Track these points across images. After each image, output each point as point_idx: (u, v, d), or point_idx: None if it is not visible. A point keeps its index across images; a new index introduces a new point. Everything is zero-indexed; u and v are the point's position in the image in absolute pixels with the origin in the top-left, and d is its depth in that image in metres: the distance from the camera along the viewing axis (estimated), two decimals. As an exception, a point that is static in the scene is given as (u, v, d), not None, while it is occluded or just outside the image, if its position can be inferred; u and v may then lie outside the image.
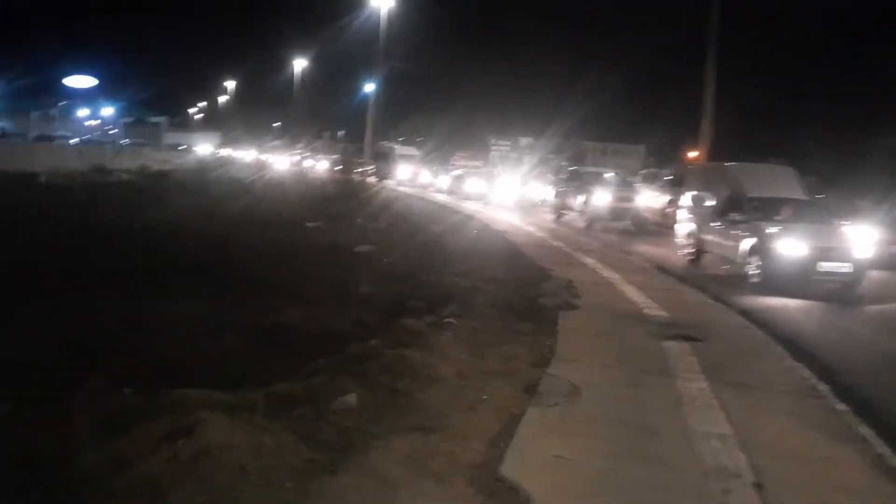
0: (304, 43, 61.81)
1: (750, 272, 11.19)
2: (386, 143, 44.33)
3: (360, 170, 41.11)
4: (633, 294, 9.61)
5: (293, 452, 3.79)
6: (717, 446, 4.33)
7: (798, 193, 13.08)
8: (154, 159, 41.10)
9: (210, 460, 3.51)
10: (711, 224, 12.88)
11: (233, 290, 8.81)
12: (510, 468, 3.84)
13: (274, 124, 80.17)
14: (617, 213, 20.07)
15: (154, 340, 6.35)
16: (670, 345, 6.79)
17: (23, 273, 9.02)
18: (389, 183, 37.04)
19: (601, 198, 20.07)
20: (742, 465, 4.04)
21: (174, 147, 61.13)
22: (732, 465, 4.04)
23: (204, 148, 64.07)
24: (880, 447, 4.50)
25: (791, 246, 10.79)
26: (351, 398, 4.65)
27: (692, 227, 13.78)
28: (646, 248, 15.75)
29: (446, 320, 7.09)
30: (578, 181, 21.84)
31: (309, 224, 18.26)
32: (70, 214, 16.35)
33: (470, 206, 24.63)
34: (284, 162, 54.46)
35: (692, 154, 40.16)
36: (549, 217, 22.89)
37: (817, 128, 32.11)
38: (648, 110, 42.71)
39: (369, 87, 43.47)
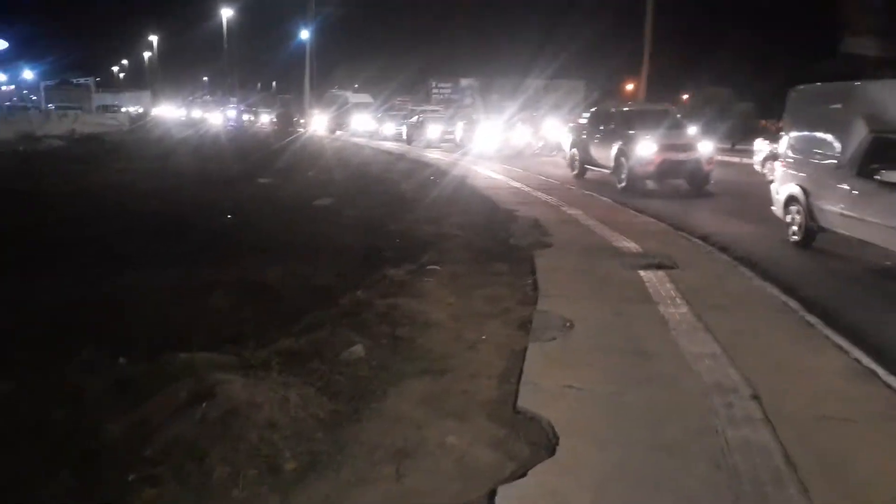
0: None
1: None
2: (337, 91, 42.96)
3: (305, 120, 40.17)
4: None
5: (317, 405, 3.88)
6: (711, 365, 4.61)
7: None
8: (84, 123, 39.24)
9: (239, 419, 3.57)
10: (839, 185, 7.91)
11: (204, 251, 8.68)
12: (526, 400, 4.02)
13: (204, 78, 77.20)
14: (669, 169, 14.10)
15: (139, 307, 6.26)
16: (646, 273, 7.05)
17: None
18: (342, 134, 36.27)
19: (646, 147, 13.91)
20: (738, 381, 4.33)
21: (106, 109, 58.23)
22: (729, 381, 4.33)
23: (136, 108, 61.35)
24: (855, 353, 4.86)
25: None
26: (358, 349, 4.74)
27: (798, 190, 8.74)
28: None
29: (428, 267, 7.18)
30: (608, 124, 15.83)
31: (261, 180, 17.92)
32: (13, 184, 15.58)
33: (436, 156, 22.47)
34: (220, 117, 52.81)
35: (629, 87, 40.70)
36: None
37: (753, 56, 32.73)
38: (587, 44, 42.71)
39: (304, 35, 42.03)
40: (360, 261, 8.24)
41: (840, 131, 8.23)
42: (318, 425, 3.67)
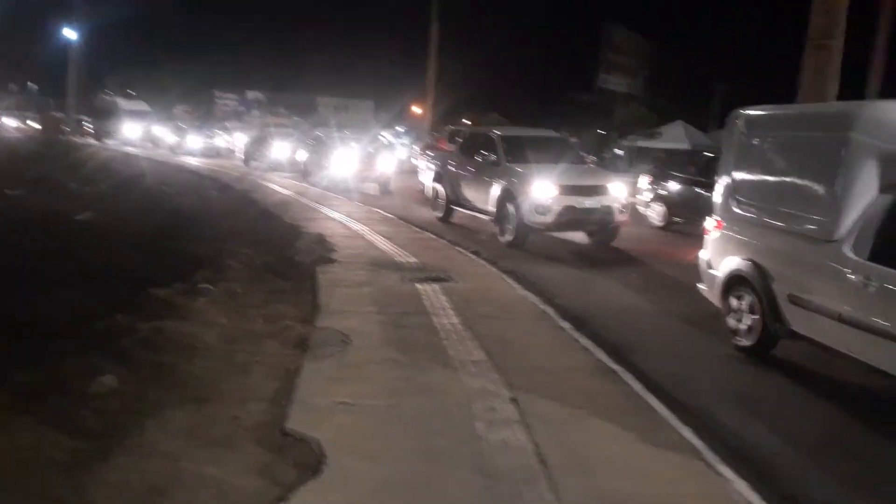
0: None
1: None
2: (108, 96, 39.16)
3: (68, 127, 36.37)
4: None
5: (54, 446, 3.44)
6: (476, 371, 4.87)
7: None
8: None
9: (-48, 472, 3.05)
10: (830, 270, 4.96)
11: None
12: (296, 422, 3.92)
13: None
14: (573, 219, 10.47)
15: None
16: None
17: None
18: (111, 142, 33.15)
19: (543, 189, 10.23)
20: (499, 385, 4.61)
21: None
22: (492, 386, 4.59)
23: None
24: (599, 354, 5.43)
25: None
26: (109, 379, 4.31)
27: (748, 267, 5.75)
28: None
29: (201, 286, 6.77)
30: (487, 154, 11.51)
31: (9, 192, 15.78)
32: None
33: (275, 185, 17.96)
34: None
35: (417, 109, 42.28)
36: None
37: (523, 85, 35.62)
38: (375, 65, 43.71)
39: (69, 34, 38.00)
40: (123, 281, 7.54)
41: (831, 181, 5.14)
42: (55, 469, 3.25)
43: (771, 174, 5.96)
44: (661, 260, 10.26)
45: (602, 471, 3.62)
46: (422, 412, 4.17)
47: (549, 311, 6.65)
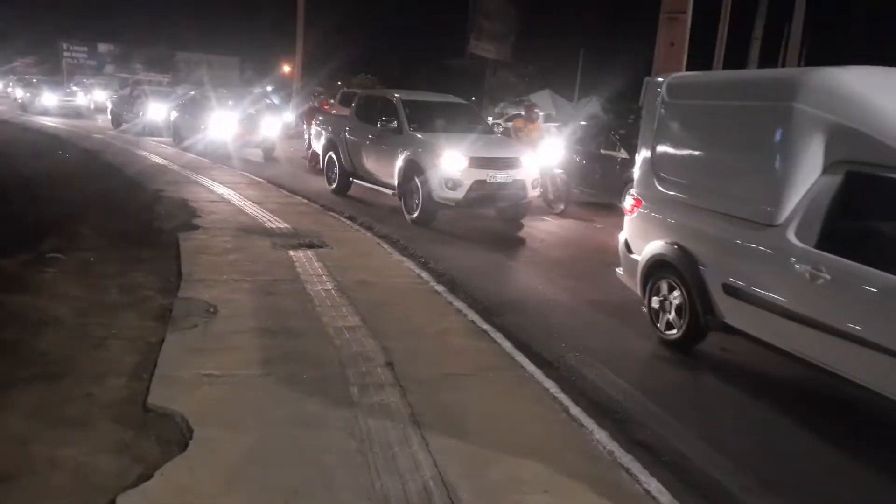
0: None
1: None
2: None
3: None
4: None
5: None
6: (351, 337, 4.84)
7: None
8: None
9: None
10: (768, 259, 4.48)
11: None
12: (158, 396, 3.74)
13: None
14: (484, 195, 9.60)
15: None
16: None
17: None
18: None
19: (453, 161, 9.38)
20: (375, 350, 4.62)
21: None
22: (366, 351, 4.59)
23: None
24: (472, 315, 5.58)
25: None
26: (-60, 359, 3.90)
27: (673, 252, 5.23)
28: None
29: (49, 255, 6.25)
30: (388, 120, 10.43)
31: None
32: None
33: (153, 149, 16.42)
34: None
35: (287, 69, 40.60)
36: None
37: (393, 45, 35.25)
38: (239, 19, 41.55)
39: None
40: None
41: (771, 157, 4.59)
42: None
43: (699, 149, 5.32)
44: (546, 230, 10.41)
45: (473, 428, 3.73)
46: (293, 381, 4.10)
47: (425, 275, 6.71)
